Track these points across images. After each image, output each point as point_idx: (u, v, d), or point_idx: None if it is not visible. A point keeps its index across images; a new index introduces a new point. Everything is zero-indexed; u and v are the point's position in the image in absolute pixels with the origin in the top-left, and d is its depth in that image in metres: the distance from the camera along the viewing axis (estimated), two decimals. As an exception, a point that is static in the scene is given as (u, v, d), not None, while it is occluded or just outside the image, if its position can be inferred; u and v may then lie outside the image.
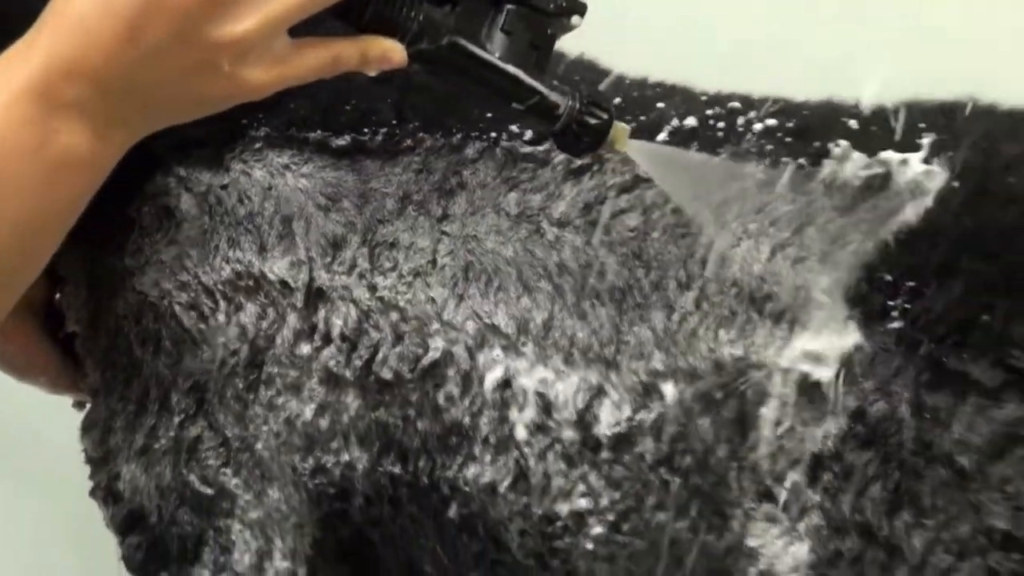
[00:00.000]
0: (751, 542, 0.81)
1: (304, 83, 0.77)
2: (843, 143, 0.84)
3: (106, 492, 0.96)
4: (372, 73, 0.78)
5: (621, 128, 0.80)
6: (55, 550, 1.50)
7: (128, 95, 0.72)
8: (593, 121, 0.79)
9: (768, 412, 0.80)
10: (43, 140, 0.72)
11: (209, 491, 0.91)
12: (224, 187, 0.90)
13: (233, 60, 0.71)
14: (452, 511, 0.87)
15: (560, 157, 0.87)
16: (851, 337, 0.80)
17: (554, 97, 0.78)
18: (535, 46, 0.79)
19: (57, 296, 0.97)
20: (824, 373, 0.79)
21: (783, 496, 0.80)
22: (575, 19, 0.82)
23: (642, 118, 0.89)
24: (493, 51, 0.77)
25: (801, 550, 0.80)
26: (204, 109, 0.77)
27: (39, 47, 0.71)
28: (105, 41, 0.70)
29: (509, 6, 0.78)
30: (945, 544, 0.77)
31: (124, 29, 0.69)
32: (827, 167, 0.83)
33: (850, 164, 0.83)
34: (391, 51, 0.75)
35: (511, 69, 0.77)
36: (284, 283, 0.88)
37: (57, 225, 0.77)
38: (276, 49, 0.73)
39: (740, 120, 0.87)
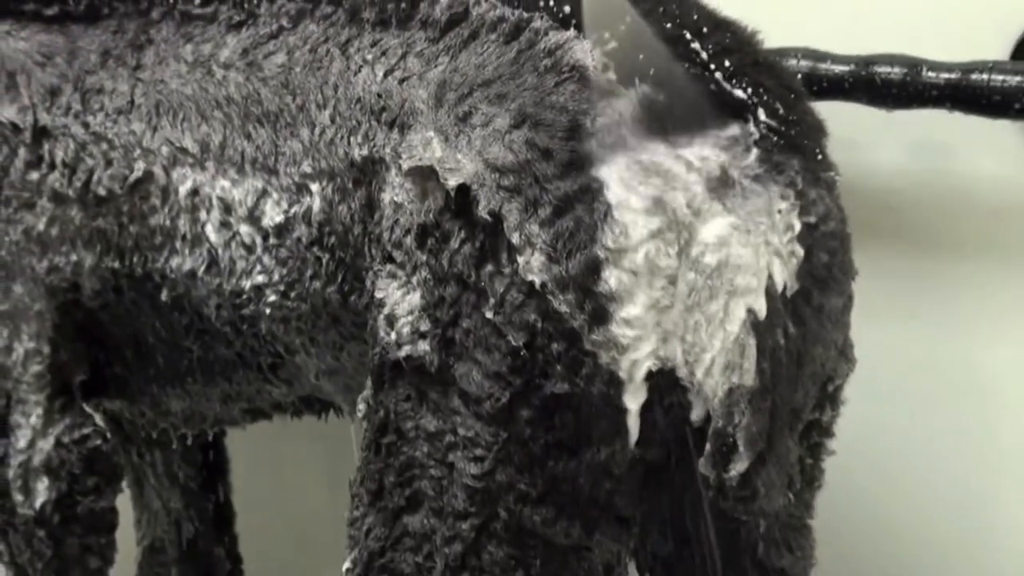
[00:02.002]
0: (378, 295, 1.02)
1: None
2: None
3: None
4: None
5: None
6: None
7: None
8: None
9: (387, 196, 1.02)
10: None
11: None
12: None
13: None
14: (164, 294, 1.13)
15: (224, 15, 1.11)
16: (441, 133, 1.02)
17: None
18: None
19: None
20: (425, 162, 0.99)
21: (400, 258, 1.01)
22: None
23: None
24: None
25: (414, 297, 1.00)
26: None
27: None
28: None
29: None
30: (517, 286, 0.96)
31: None
32: (422, 8, 1.06)
33: (439, 5, 1.05)
34: None
35: None
36: (14, 125, 1.13)
37: None
38: None
39: None
